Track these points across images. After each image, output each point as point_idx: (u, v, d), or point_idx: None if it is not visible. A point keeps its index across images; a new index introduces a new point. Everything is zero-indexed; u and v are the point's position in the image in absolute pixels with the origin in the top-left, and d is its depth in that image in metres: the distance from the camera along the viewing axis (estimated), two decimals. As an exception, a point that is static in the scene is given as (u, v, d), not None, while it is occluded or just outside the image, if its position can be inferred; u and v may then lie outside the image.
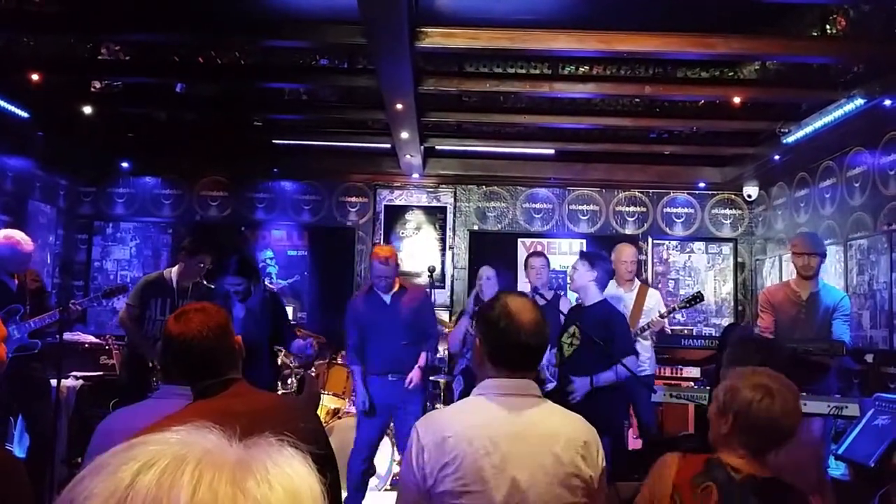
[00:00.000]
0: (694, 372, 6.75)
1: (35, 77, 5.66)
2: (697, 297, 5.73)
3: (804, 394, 4.24)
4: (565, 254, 8.19)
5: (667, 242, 8.40)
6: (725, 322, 7.97)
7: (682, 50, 4.95)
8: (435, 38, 4.74)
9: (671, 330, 6.49)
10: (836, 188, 6.41)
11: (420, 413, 4.93)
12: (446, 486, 1.86)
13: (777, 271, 7.58)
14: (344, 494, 4.67)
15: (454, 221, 8.50)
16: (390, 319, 4.92)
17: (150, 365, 4.83)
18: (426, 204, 8.55)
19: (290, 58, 6.20)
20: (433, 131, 7.22)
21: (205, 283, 5.18)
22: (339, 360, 6.59)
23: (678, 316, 8.03)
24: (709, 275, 8.34)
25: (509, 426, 1.93)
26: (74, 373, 5.94)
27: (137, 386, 4.87)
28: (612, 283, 5.90)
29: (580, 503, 1.93)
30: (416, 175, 8.21)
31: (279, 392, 5.81)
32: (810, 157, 6.62)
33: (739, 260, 8.34)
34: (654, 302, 5.81)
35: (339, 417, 5.95)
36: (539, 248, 8.33)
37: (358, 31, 4.63)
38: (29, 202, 7.25)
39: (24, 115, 6.25)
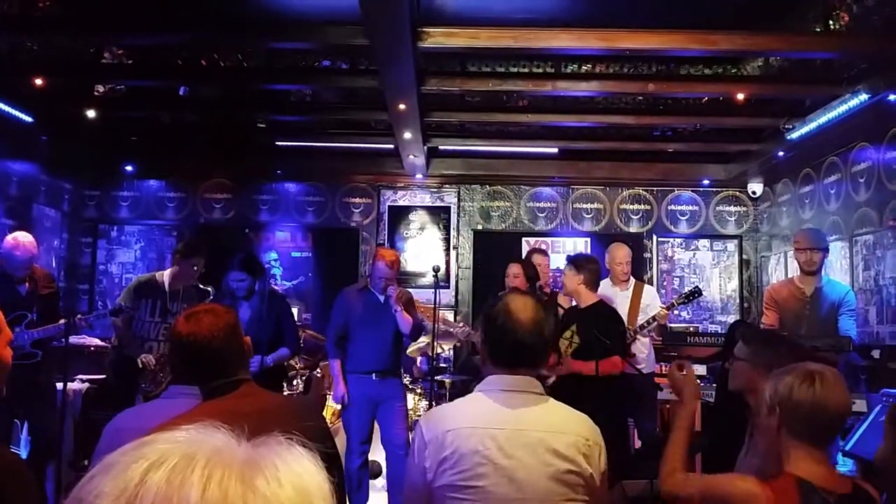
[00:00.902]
0: (700, 369, 6.73)
1: (39, 81, 5.67)
2: (695, 292, 5.72)
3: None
4: (570, 252, 8.18)
5: (671, 240, 8.39)
6: (731, 319, 7.95)
7: (684, 47, 4.95)
8: (437, 38, 4.74)
9: (674, 328, 6.48)
10: (840, 184, 6.39)
11: (404, 406, 4.99)
12: (446, 480, 1.89)
13: (782, 268, 7.56)
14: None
15: (458, 221, 8.50)
16: (382, 319, 4.96)
17: (140, 366, 4.82)
18: (430, 204, 8.55)
19: (292, 59, 6.21)
20: (436, 131, 7.23)
21: (199, 286, 5.17)
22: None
23: (683, 314, 8.03)
24: (714, 272, 8.33)
25: (508, 422, 1.94)
26: (80, 376, 5.95)
27: (125, 386, 4.87)
28: (607, 283, 5.90)
29: (580, 500, 1.93)
30: (419, 175, 8.21)
31: (284, 393, 5.81)
32: (815, 153, 6.60)
33: (744, 257, 8.32)
34: (651, 298, 5.81)
35: (345, 418, 5.94)
36: (543, 247, 8.33)
37: (360, 31, 4.63)
38: (34, 206, 7.27)
39: (28, 119, 6.27)
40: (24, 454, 5.23)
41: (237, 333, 2.02)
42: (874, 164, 5.85)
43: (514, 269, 5.54)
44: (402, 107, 5.70)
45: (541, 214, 8.50)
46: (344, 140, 7.70)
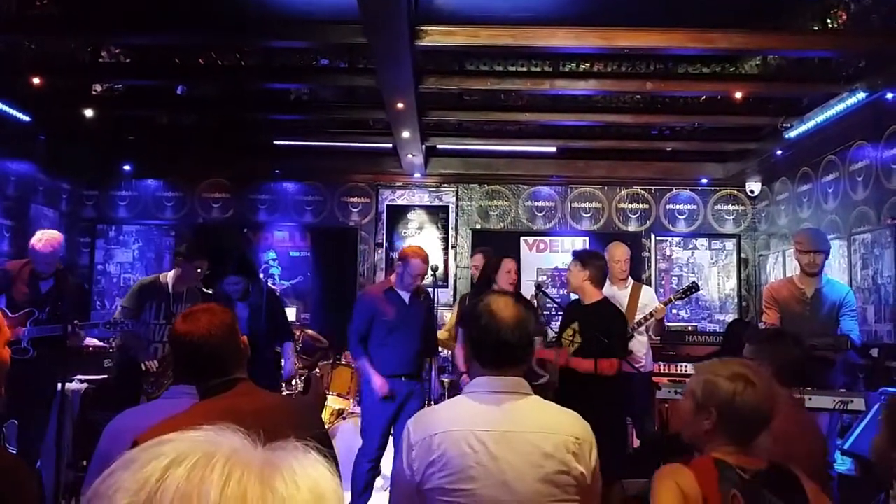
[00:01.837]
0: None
1: (36, 81, 5.66)
2: (693, 287, 5.72)
3: (809, 388, 4.24)
4: (568, 251, 8.17)
5: (670, 239, 8.39)
6: (729, 318, 7.96)
7: (682, 45, 4.95)
8: (435, 37, 4.74)
9: (672, 328, 6.48)
10: (838, 182, 6.40)
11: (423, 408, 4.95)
12: (434, 483, 1.88)
13: (780, 267, 7.57)
14: (347, 498, 4.66)
15: (456, 220, 8.50)
16: (412, 321, 4.88)
17: (144, 368, 4.82)
18: (428, 203, 8.55)
19: (290, 58, 6.21)
20: (434, 130, 7.23)
21: (202, 288, 5.17)
22: (343, 361, 6.58)
23: (682, 313, 8.03)
24: (712, 271, 8.33)
25: (496, 423, 1.94)
26: (78, 376, 5.94)
27: (129, 388, 4.87)
28: (606, 282, 5.90)
29: (571, 500, 1.93)
30: (417, 174, 8.21)
31: (284, 393, 5.81)
32: (813, 151, 6.61)
33: (743, 256, 8.33)
34: (648, 299, 5.80)
35: (344, 418, 5.95)
36: (542, 247, 8.34)
37: (358, 30, 4.63)
38: (31, 206, 7.26)
39: (26, 118, 6.26)
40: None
41: (234, 333, 2.03)
42: (872, 162, 5.85)
43: (510, 265, 5.51)
44: (400, 106, 5.70)
45: (539, 213, 8.50)
46: (342, 139, 7.70)
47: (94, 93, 6.68)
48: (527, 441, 1.92)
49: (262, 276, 6.42)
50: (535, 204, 8.52)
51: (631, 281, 5.95)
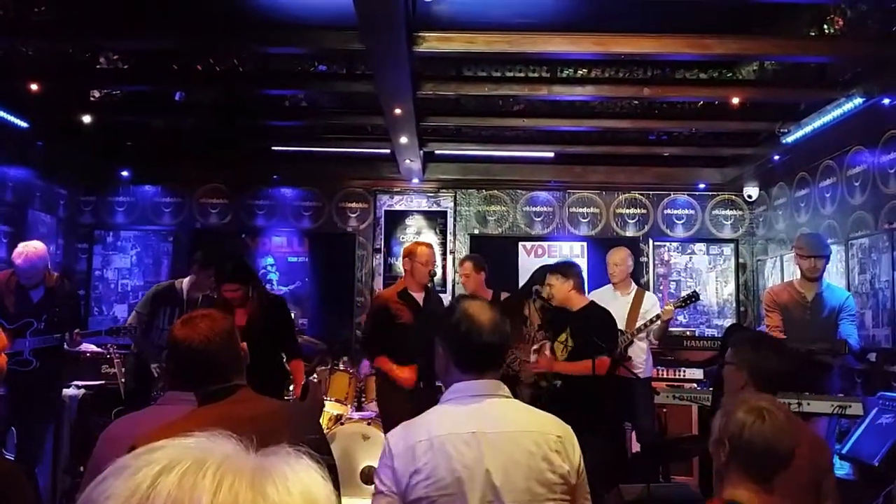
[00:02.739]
0: (696, 373, 6.75)
1: (34, 86, 5.67)
2: (693, 297, 5.72)
3: (807, 393, 4.24)
4: (566, 257, 8.18)
5: (668, 244, 8.40)
6: (727, 323, 7.96)
7: (678, 51, 4.96)
8: (432, 43, 4.74)
9: (671, 332, 6.47)
10: (836, 187, 6.41)
11: None
12: (419, 492, 1.86)
13: (779, 272, 7.57)
14: (344, 502, 4.63)
15: (454, 226, 8.50)
16: (427, 322, 4.70)
17: (156, 375, 4.83)
18: (426, 209, 8.55)
19: (288, 64, 6.21)
20: (432, 136, 7.24)
21: (216, 295, 5.17)
22: (341, 367, 6.58)
23: (680, 318, 8.03)
24: (710, 276, 8.34)
25: (480, 424, 1.93)
26: (76, 382, 5.93)
27: (142, 394, 4.87)
28: (609, 288, 5.90)
29: (560, 499, 1.93)
30: (415, 180, 8.21)
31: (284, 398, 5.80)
32: (810, 156, 6.62)
33: (741, 261, 8.33)
34: (651, 305, 5.79)
35: (342, 424, 5.94)
36: (540, 252, 8.34)
37: (355, 36, 4.64)
38: (29, 212, 7.25)
39: (24, 124, 6.26)
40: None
41: (233, 339, 2.02)
42: (869, 167, 5.87)
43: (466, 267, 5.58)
44: (397, 111, 5.71)
45: (537, 219, 8.50)
46: (340, 145, 7.71)
47: (91, 98, 6.67)
48: (512, 440, 1.92)
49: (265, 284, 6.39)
50: (533, 209, 8.52)
51: (634, 286, 5.93)
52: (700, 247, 8.39)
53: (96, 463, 2.11)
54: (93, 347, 6.60)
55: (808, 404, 4.17)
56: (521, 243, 8.38)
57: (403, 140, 6.54)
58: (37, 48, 5.79)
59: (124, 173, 8.19)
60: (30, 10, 5.20)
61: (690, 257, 8.37)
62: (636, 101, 6.42)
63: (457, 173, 8.23)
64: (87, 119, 6.48)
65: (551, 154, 7.87)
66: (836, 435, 4.62)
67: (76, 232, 8.32)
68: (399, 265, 8.40)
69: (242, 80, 6.26)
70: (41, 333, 4.86)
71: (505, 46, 4.81)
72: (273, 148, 7.88)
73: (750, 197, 8.21)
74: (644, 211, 8.45)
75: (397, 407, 4.47)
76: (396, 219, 8.53)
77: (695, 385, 6.34)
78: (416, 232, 8.48)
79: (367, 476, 5.46)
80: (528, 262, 8.23)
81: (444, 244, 8.45)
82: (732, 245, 8.36)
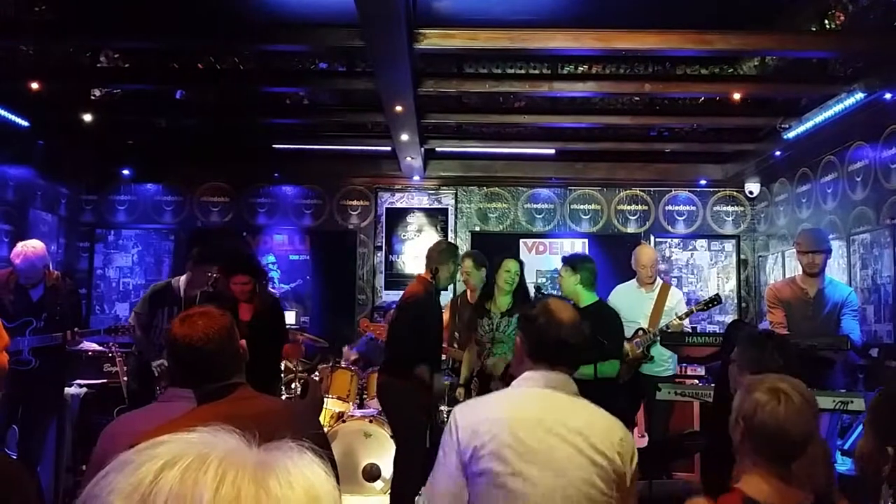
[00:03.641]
0: (699, 369, 6.73)
1: (35, 85, 5.67)
2: (715, 300, 5.65)
3: (809, 389, 4.23)
4: (567, 253, 8.17)
5: (669, 240, 8.39)
6: (729, 319, 7.95)
7: (679, 47, 4.95)
8: (433, 40, 4.74)
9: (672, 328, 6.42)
10: (837, 183, 6.40)
11: None
12: (480, 466, 1.92)
13: (780, 267, 7.56)
14: (344, 499, 4.63)
15: (456, 223, 8.50)
16: (441, 318, 4.95)
17: (157, 374, 4.84)
18: (427, 206, 8.55)
19: (288, 62, 6.20)
20: (433, 133, 7.23)
21: (212, 290, 5.16)
22: (342, 364, 6.58)
23: (681, 314, 8.00)
24: (712, 272, 8.33)
25: (548, 413, 1.99)
26: (78, 381, 5.93)
27: (145, 394, 4.87)
28: (633, 284, 5.82)
29: (612, 497, 1.95)
30: (416, 177, 8.21)
31: (283, 397, 5.80)
32: (811, 152, 6.61)
33: (742, 257, 8.32)
34: (676, 301, 5.71)
35: (344, 421, 5.94)
36: (541, 249, 8.34)
37: (356, 34, 4.63)
38: (30, 211, 7.26)
39: (25, 123, 6.26)
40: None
41: (233, 337, 2.00)
42: (871, 162, 5.85)
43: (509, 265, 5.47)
44: (398, 109, 5.70)
45: (538, 216, 8.50)
46: (341, 143, 7.71)
47: (92, 97, 6.67)
48: (578, 432, 1.96)
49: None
50: (535, 206, 8.52)
51: (659, 282, 5.84)
52: (701, 243, 8.38)
53: (98, 459, 2.10)
54: (94, 346, 6.61)
55: (810, 400, 4.16)
56: (522, 240, 8.37)
57: (404, 137, 6.54)
58: (37, 47, 5.78)
59: (125, 172, 8.19)
60: (30, 9, 5.20)
61: (692, 253, 8.36)
62: (637, 98, 6.41)
63: (458, 170, 8.22)
64: (88, 118, 6.48)
65: (552, 151, 7.86)
66: (838, 430, 4.61)
67: (77, 231, 8.32)
68: (400, 262, 8.42)
69: (243, 79, 6.25)
70: (40, 332, 4.86)
71: (506, 43, 4.81)
72: (274, 146, 7.88)
73: (751, 193, 8.19)
74: (645, 207, 8.44)
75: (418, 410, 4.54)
76: (397, 216, 8.53)
77: (696, 381, 6.32)
78: (418, 229, 8.48)
79: (369, 473, 5.48)
80: (530, 258, 8.22)
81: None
82: (734, 241, 8.35)
